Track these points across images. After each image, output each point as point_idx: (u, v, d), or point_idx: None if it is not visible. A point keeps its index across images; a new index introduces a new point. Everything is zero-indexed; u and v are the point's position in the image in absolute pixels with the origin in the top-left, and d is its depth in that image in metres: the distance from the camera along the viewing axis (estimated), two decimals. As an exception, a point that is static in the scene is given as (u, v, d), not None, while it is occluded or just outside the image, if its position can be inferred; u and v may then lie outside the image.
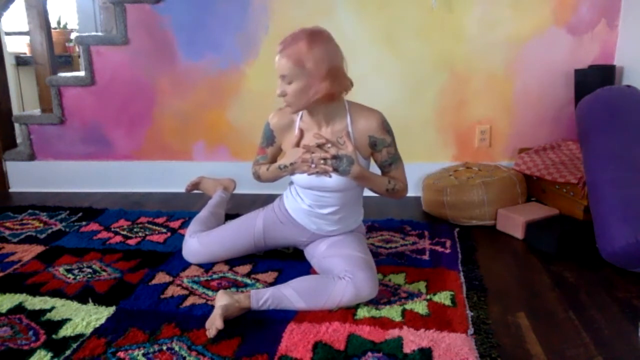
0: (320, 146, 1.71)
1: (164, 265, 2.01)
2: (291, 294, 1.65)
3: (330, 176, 1.72)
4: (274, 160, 1.93)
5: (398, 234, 2.28)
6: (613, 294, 1.78)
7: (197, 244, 2.01)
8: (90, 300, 1.75)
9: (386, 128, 1.79)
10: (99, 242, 2.27)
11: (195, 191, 2.51)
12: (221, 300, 1.61)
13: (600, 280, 1.87)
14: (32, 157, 3.11)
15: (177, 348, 1.48)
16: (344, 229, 1.91)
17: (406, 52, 2.78)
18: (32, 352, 1.47)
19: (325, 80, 1.65)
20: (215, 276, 1.91)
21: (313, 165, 1.70)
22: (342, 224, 1.89)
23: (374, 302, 1.69)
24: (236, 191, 2.44)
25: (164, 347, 1.48)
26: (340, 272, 1.69)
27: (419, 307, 1.67)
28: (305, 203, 1.86)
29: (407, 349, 1.45)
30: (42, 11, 3.03)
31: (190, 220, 2.18)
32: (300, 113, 1.81)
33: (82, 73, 3.04)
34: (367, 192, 1.88)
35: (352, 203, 1.88)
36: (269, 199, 2.13)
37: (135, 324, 1.60)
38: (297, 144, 1.78)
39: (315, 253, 1.89)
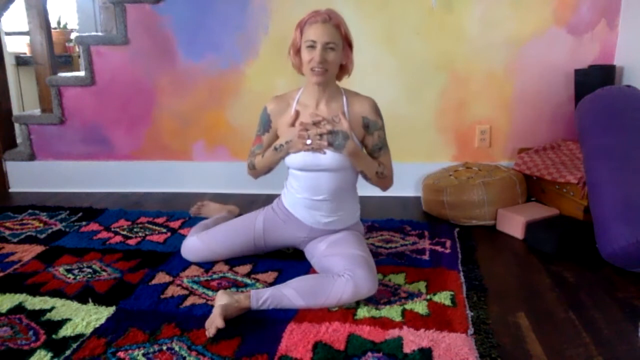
0: (316, 124, 1.79)
1: (164, 265, 2.01)
2: (291, 293, 1.65)
3: (324, 152, 1.77)
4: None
5: (398, 234, 2.28)
6: (613, 294, 1.78)
7: (197, 240, 2.02)
8: (90, 300, 1.74)
9: (378, 112, 1.89)
10: (99, 242, 2.27)
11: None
12: (221, 300, 1.61)
13: (600, 280, 1.87)
14: (32, 157, 3.11)
15: (177, 348, 1.48)
16: (341, 223, 1.92)
17: (406, 52, 2.78)
18: (32, 352, 1.47)
19: (351, 51, 1.83)
20: (215, 276, 1.91)
21: (309, 142, 1.75)
22: (337, 215, 1.90)
23: (374, 302, 1.69)
24: (236, 191, 2.44)
25: (164, 347, 1.48)
26: (340, 270, 1.70)
27: (419, 307, 1.67)
28: (300, 192, 1.88)
29: (407, 349, 1.45)
30: (42, 11, 3.02)
31: (190, 220, 2.18)
32: (298, 96, 1.87)
33: (82, 73, 3.04)
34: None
35: (346, 189, 1.90)
36: (268, 199, 2.13)
37: (135, 324, 1.60)
38: (293, 124, 1.84)
39: (315, 252, 1.90)
